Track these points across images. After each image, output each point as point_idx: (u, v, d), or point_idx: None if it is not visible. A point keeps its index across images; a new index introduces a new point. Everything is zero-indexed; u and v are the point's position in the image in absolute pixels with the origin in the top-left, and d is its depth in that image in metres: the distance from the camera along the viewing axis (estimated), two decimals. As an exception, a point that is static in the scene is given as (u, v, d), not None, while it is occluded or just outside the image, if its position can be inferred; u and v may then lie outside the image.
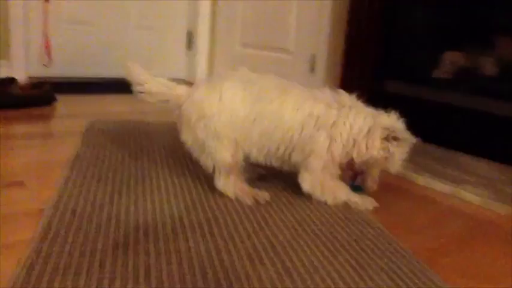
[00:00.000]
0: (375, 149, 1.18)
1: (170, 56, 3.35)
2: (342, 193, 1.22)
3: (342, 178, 1.25)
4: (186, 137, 1.23)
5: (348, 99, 1.23)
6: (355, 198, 1.22)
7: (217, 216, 1.08)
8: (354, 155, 1.19)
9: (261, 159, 1.24)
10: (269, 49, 2.92)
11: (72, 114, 2.08)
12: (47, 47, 2.86)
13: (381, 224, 1.13)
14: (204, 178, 1.29)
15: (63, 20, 2.92)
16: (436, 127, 2.00)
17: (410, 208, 1.31)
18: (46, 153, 1.53)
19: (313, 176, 1.20)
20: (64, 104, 2.25)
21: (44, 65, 2.84)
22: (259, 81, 1.23)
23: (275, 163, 1.26)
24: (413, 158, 1.30)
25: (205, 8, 3.30)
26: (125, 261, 0.83)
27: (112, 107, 2.36)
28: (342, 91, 1.25)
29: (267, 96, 1.20)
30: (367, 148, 1.18)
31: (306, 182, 1.21)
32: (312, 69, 2.62)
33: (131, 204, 1.10)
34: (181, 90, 1.25)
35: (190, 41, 3.36)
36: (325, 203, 1.21)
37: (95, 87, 2.89)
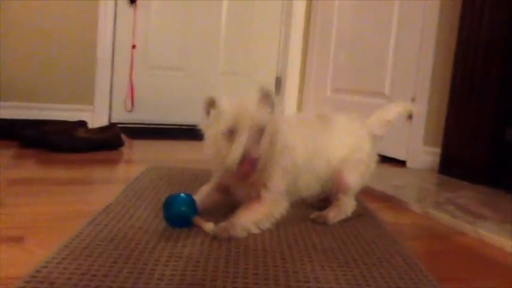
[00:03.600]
0: None
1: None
2: None
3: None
4: None
5: None
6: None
7: None
8: None
9: None
10: (362, 94, 2.64)
11: (132, 160, 1.92)
12: (131, 93, 2.82)
13: None
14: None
15: (149, 66, 2.88)
16: None
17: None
18: (70, 202, 1.32)
19: None
20: (133, 148, 2.12)
21: (127, 110, 2.80)
22: None
23: None
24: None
25: (295, 54, 3.12)
26: None
27: (179, 154, 2.17)
28: None
29: None
30: None
31: None
32: (410, 115, 2.24)
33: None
34: None
35: (278, 86, 3.15)
36: None
37: (175, 132, 2.76)
